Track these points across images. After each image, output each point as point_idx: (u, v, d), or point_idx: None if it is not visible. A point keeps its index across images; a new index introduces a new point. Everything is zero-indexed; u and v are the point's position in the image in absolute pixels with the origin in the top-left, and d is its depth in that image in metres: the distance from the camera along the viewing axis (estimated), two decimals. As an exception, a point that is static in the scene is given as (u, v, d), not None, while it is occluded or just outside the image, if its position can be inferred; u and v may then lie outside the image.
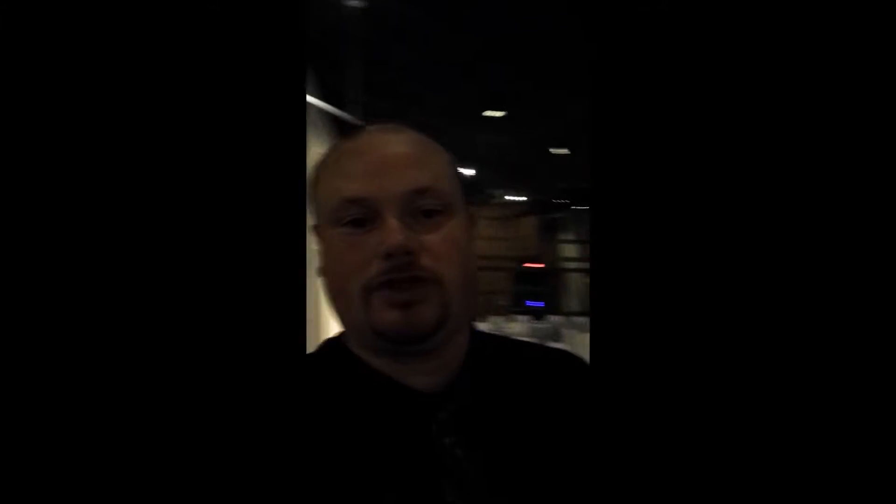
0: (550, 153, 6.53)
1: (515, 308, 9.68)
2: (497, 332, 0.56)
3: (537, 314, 9.02)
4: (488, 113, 5.08)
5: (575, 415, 0.46)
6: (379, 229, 0.41)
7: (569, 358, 0.53)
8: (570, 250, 11.04)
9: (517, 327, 7.37)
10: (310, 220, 0.46)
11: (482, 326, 0.50)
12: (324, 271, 0.44)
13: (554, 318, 8.58)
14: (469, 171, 6.78)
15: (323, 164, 0.46)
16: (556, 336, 6.83)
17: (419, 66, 3.99)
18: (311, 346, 0.48)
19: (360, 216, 0.41)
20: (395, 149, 0.44)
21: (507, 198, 10.14)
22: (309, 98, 2.58)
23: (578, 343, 6.33)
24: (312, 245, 0.46)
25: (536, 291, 10.52)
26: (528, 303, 10.10)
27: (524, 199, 10.31)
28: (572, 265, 10.84)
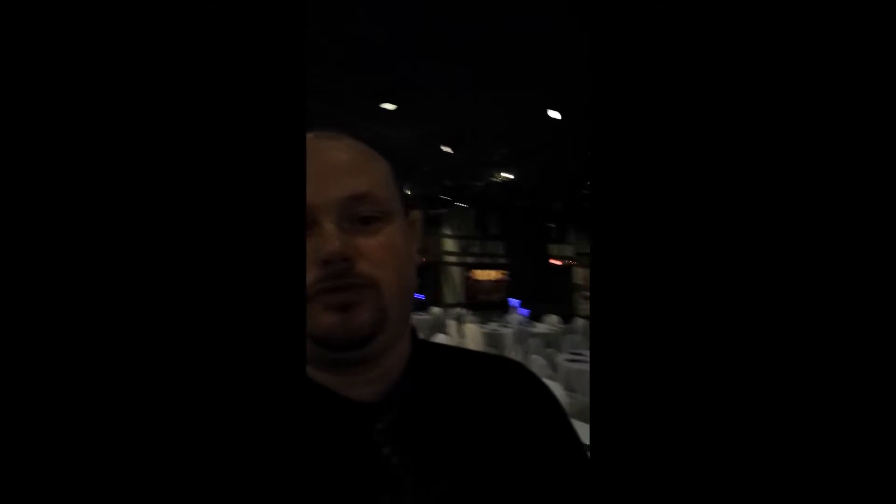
0: (441, 150, 6.76)
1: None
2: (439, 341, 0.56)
3: (419, 306, 9.27)
4: (385, 106, 5.13)
5: (515, 422, 0.47)
6: (316, 236, 0.41)
7: (510, 365, 0.53)
8: (450, 245, 11.48)
9: (401, 319, 7.48)
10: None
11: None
12: None
13: (436, 310, 8.90)
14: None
15: None
16: (441, 326, 7.12)
17: (318, 52, 3.91)
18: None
19: None
20: (333, 155, 0.44)
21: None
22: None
23: (457, 332, 6.66)
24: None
25: (419, 284, 10.77)
26: (416, 295, 10.31)
27: (409, 193, 10.48)
28: (452, 259, 11.29)
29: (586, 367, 3.77)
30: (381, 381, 0.45)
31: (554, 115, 6.06)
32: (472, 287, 11.86)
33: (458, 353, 0.53)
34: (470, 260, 11.77)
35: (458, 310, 9.44)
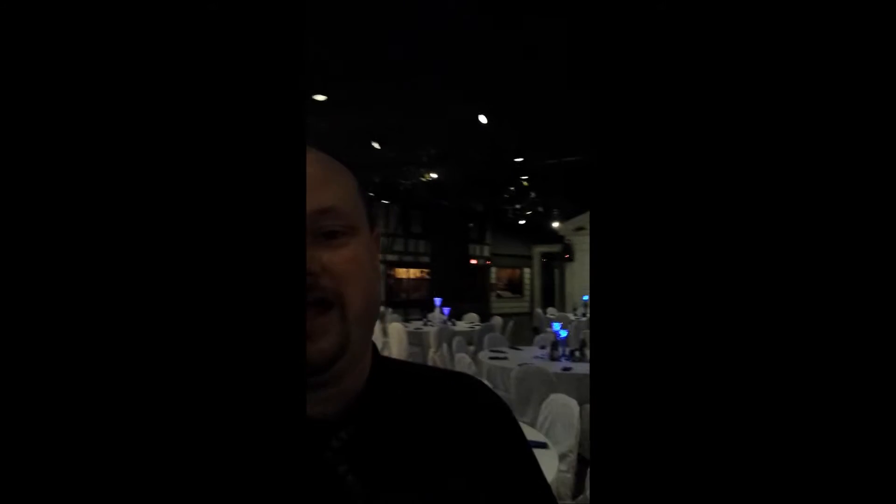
0: (371, 146, 6.70)
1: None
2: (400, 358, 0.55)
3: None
4: (315, 97, 5.00)
5: (472, 439, 0.48)
6: None
7: (469, 382, 0.53)
8: (372, 242, 11.37)
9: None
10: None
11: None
12: None
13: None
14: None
15: None
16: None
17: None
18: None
19: None
20: None
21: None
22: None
23: (380, 331, 6.63)
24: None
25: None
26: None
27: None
28: (373, 256, 11.19)
29: (507, 364, 3.95)
30: (340, 398, 0.45)
31: (482, 119, 6.23)
32: (394, 285, 11.86)
33: (417, 370, 0.53)
34: (392, 258, 11.76)
35: (380, 308, 9.37)
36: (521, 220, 10.84)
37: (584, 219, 11.56)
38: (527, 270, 15.20)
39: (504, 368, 3.89)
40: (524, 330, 9.11)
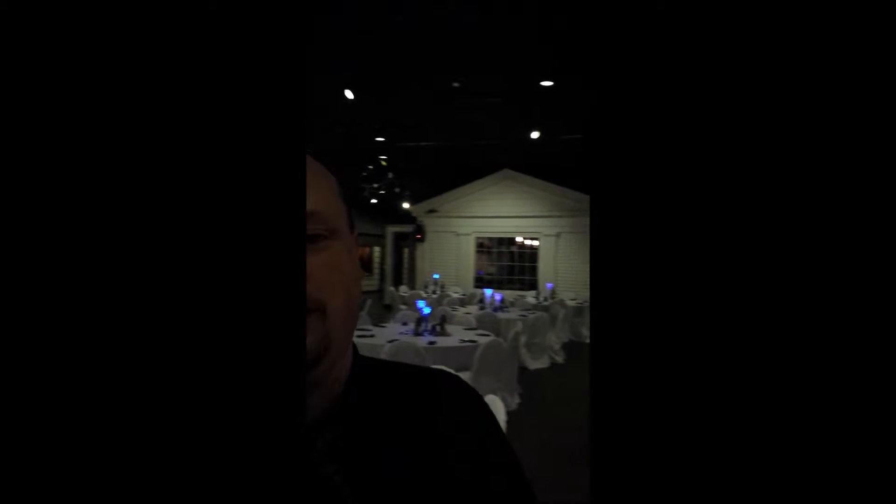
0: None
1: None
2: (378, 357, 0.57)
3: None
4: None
5: (454, 435, 0.48)
6: None
7: (448, 379, 0.54)
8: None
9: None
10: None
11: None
12: None
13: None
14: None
15: None
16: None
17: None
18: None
19: None
20: None
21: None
22: None
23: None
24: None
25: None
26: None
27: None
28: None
29: (376, 341, 4.05)
30: (324, 400, 0.46)
31: (348, 94, 6.12)
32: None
33: (397, 368, 0.55)
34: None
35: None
36: (374, 199, 10.90)
37: (434, 201, 12.04)
38: (377, 249, 15.35)
39: (374, 345, 3.98)
40: (376, 307, 9.23)
